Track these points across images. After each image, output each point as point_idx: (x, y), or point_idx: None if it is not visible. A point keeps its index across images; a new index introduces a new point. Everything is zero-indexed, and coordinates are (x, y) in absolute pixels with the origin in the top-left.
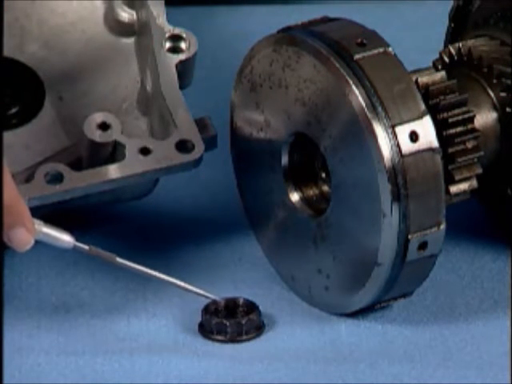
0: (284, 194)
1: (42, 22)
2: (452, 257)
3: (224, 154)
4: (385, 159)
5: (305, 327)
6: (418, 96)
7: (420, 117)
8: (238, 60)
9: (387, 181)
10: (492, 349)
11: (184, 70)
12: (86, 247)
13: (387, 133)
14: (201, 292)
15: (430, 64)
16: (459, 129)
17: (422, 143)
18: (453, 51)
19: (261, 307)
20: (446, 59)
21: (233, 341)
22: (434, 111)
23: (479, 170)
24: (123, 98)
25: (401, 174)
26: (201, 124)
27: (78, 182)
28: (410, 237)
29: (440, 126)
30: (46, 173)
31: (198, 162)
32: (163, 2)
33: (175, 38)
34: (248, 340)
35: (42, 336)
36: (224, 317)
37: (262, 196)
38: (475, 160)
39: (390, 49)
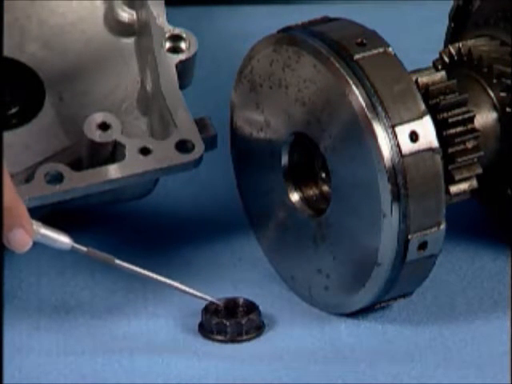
0: (284, 193)
1: (42, 22)
2: (452, 257)
3: (224, 154)
4: (385, 159)
5: (305, 327)
6: (418, 96)
7: (420, 117)
8: (238, 60)
9: (387, 181)
10: (492, 349)
11: (184, 70)
12: (85, 249)
13: (387, 133)
14: (200, 294)
15: (430, 64)
16: (459, 129)
17: (421, 143)
18: (453, 51)
19: (261, 307)
20: (446, 59)
21: (233, 341)
22: (433, 111)
23: (479, 170)
24: (123, 98)
25: (401, 173)
26: (201, 124)
27: (78, 182)
28: (409, 237)
29: (440, 126)
30: (46, 173)
31: (198, 162)
32: (163, 2)
33: (175, 38)
34: (248, 340)
35: (42, 336)
36: (224, 317)
37: (261, 196)
38: (475, 160)
39: (390, 49)
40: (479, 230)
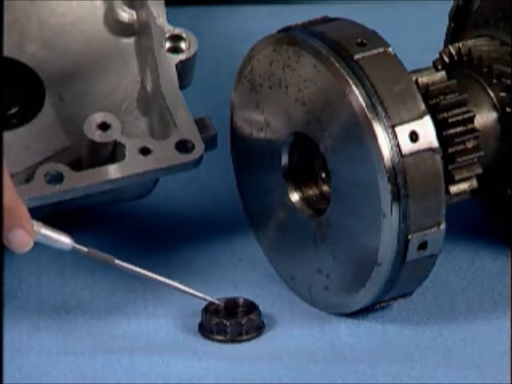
0: (284, 193)
1: (42, 22)
2: (452, 257)
3: (224, 154)
4: (385, 159)
5: (305, 327)
6: (418, 96)
7: (420, 117)
8: (238, 60)
9: (387, 181)
10: (492, 349)
11: (184, 70)
12: (85, 249)
13: (387, 133)
14: (199, 294)
15: (430, 64)
16: (459, 129)
17: (422, 143)
18: (453, 51)
19: (261, 307)
20: (446, 59)
21: (233, 341)
22: (434, 111)
23: (479, 170)
24: (123, 98)
25: (401, 173)
26: (201, 124)
27: (78, 182)
28: (409, 237)
29: (440, 126)
30: (46, 173)
31: (198, 162)
32: (163, 2)
33: (175, 38)
34: (248, 340)
35: (42, 336)
36: (224, 317)
37: (261, 196)
38: (475, 160)
39: (390, 49)
40: (479, 230)
